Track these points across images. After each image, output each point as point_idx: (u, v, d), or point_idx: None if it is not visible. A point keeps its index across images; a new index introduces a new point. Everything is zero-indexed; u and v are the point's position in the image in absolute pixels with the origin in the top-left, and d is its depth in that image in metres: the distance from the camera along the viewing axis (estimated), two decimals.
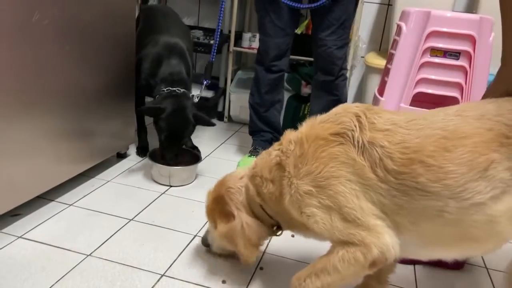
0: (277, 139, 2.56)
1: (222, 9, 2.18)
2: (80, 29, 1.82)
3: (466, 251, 1.19)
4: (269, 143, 2.52)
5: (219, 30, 2.20)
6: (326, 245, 1.21)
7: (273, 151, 1.30)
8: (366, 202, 1.10)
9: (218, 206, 1.40)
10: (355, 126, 1.13)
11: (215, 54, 2.23)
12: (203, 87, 2.23)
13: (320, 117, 1.24)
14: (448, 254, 1.21)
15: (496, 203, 1.03)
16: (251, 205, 1.37)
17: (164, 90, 2.12)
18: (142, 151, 2.45)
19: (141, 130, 2.48)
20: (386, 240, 1.09)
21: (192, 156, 2.31)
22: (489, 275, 1.64)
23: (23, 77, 1.57)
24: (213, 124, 2.19)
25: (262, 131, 2.51)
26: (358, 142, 1.12)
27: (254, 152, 2.46)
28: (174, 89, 2.12)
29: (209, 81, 2.24)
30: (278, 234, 1.42)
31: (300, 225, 1.27)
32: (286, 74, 2.92)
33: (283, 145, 1.27)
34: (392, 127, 1.12)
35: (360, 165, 1.10)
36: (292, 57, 2.74)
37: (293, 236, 1.65)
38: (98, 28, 1.93)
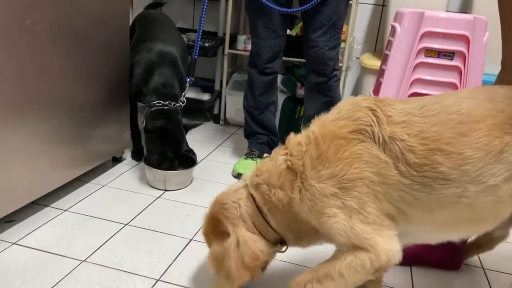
0: (273, 141, 2.57)
1: (205, 7, 2.14)
2: (74, 34, 1.81)
3: (472, 231, 1.21)
4: (265, 145, 2.51)
5: (201, 29, 2.18)
6: (325, 249, 1.20)
7: (279, 156, 1.21)
8: (386, 202, 1.09)
9: (212, 227, 1.28)
10: (373, 122, 1.10)
11: (197, 51, 2.20)
12: (188, 85, 2.22)
13: (330, 115, 1.19)
14: (456, 236, 1.23)
15: (505, 185, 1.06)
16: (254, 218, 1.25)
17: (155, 103, 2.12)
18: (137, 155, 2.45)
19: (135, 134, 2.47)
20: (394, 247, 1.09)
21: (188, 160, 2.30)
22: (486, 276, 1.64)
23: (17, 82, 1.56)
24: (199, 124, 2.49)
25: (258, 134, 2.50)
26: (379, 138, 1.08)
27: (250, 154, 2.46)
28: (166, 103, 2.13)
29: (193, 79, 2.24)
30: (283, 250, 1.33)
31: (309, 233, 1.22)
32: (281, 76, 2.92)
33: (290, 149, 1.19)
34: (408, 117, 1.10)
35: (384, 162, 1.08)
36: (287, 58, 2.74)
37: None
38: (92, 33, 1.92)
